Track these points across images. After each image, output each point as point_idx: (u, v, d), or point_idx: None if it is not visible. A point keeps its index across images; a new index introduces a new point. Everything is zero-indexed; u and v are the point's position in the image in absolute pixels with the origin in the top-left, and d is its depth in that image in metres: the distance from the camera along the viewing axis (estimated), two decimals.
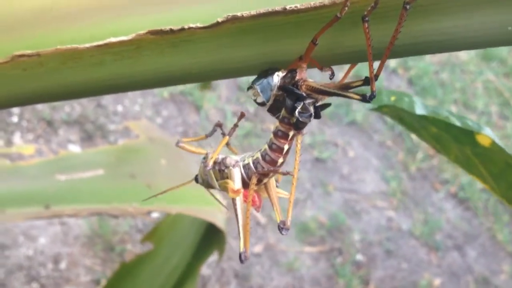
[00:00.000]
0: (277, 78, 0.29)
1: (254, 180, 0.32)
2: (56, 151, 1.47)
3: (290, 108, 0.29)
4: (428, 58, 2.25)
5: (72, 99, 0.33)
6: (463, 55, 2.34)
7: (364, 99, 0.27)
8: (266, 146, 0.32)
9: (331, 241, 1.66)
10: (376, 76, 0.27)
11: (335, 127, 1.88)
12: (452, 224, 1.84)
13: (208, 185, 0.36)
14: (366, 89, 0.28)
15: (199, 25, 0.26)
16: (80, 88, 0.31)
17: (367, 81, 0.27)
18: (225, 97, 1.78)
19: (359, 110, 1.93)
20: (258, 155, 0.33)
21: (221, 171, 0.34)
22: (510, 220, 1.93)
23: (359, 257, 1.66)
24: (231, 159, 0.34)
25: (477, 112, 2.20)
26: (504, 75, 2.37)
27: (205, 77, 0.29)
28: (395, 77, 2.12)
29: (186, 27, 0.26)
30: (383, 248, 1.70)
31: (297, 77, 0.28)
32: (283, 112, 0.30)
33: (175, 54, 0.28)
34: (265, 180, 0.33)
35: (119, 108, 1.64)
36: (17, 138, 1.51)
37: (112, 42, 0.28)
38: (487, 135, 0.37)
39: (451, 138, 0.40)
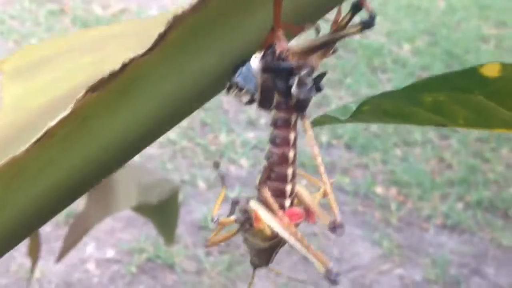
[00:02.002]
0: (256, 60, 0.23)
1: (265, 192, 0.25)
2: None
3: (284, 88, 0.23)
4: None
5: (31, 232, 0.26)
6: None
7: (365, 24, 0.21)
8: (269, 144, 0.25)
9: None
10: None
11: None
12: (457, 252, 1.79)
13: (262, 255, 0.29)
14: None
15: (140, 52, 0.21)
16: (34, 212, 0.25)
17: (356, 8, 0.22)
18: (191, 243, 1.70)
19: None
20: (265, 161, 0.26)
21: (250, 219, 0.27)
22: (504, 224, 1.90)
23: None
24: (243, 198, 0.27)
25: (419, 144, 2.22)
26: None
27: (174, 118, 0.24)
28: (333, 149, 2.11)
29: (127, 61, 0.21)
30: None
31: (278, 50, 0.23)
32: (276, 97, 0.24)
33: (130, 104, 0.23)
34: (288, 187, 0.26)
35: None
36: None
37: (52, 126, 0.22)
38: (491, 62, 0.27)
39: (452, 96, 0.31)
